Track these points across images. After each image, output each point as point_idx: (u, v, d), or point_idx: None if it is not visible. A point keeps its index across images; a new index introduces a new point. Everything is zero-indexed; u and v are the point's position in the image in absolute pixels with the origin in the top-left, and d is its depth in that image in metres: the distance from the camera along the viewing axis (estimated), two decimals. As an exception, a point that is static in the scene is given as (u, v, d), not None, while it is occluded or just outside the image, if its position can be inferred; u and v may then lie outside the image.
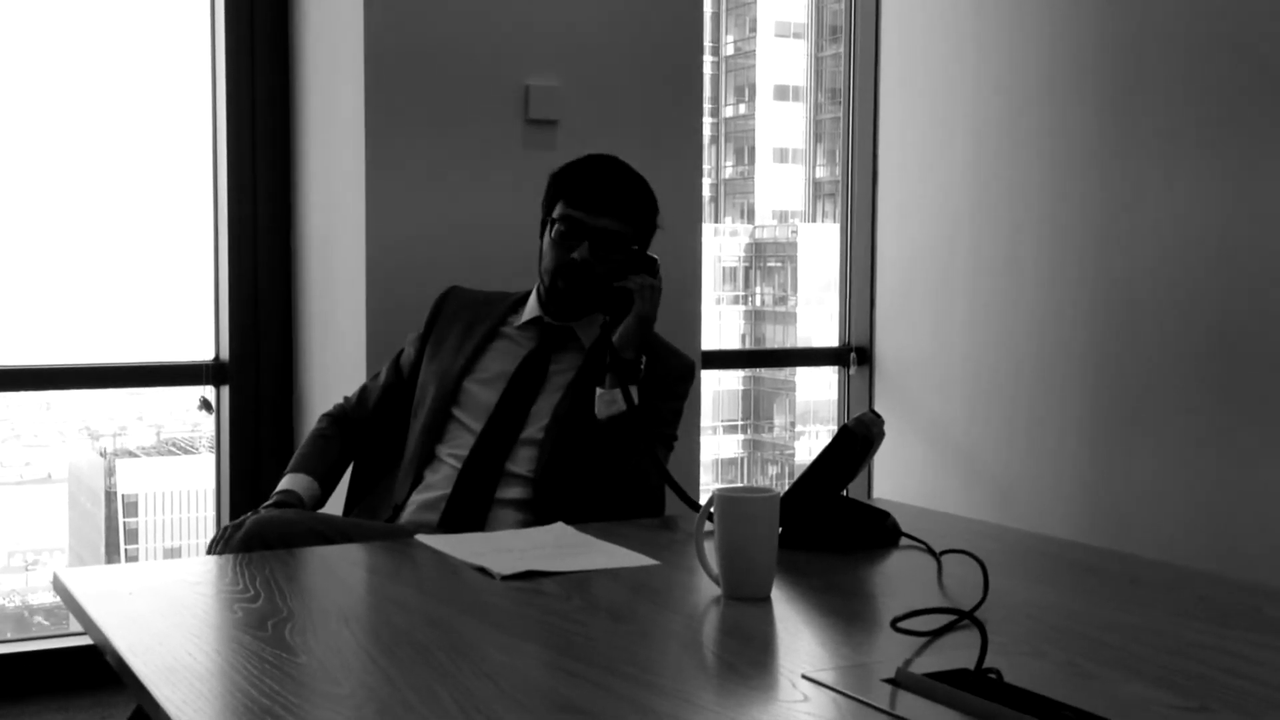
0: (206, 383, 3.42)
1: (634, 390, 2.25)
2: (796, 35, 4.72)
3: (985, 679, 1.32)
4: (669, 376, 2.40)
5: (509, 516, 2.28)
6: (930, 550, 1.95)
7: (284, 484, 2.39)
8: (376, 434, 2.52)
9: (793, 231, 4.75)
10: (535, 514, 2.26)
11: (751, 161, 4.76)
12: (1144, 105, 3.36)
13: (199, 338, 3.47)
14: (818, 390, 4.57)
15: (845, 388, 4.22)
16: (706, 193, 3.90)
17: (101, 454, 3.84)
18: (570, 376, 2.36)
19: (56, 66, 3.46)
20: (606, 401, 2.27)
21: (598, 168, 2.41)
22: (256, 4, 3.37)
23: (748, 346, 4.71)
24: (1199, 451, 3.24)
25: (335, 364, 3.26)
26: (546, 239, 2.39)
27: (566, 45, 3.24)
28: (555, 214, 2.38)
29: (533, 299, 2.45)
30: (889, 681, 1.33)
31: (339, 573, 1.87)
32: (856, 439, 1.97)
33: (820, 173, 4.64)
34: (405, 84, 3.10)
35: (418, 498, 2.34)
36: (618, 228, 2.36)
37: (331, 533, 2.08)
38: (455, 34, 3.14)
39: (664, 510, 2.30)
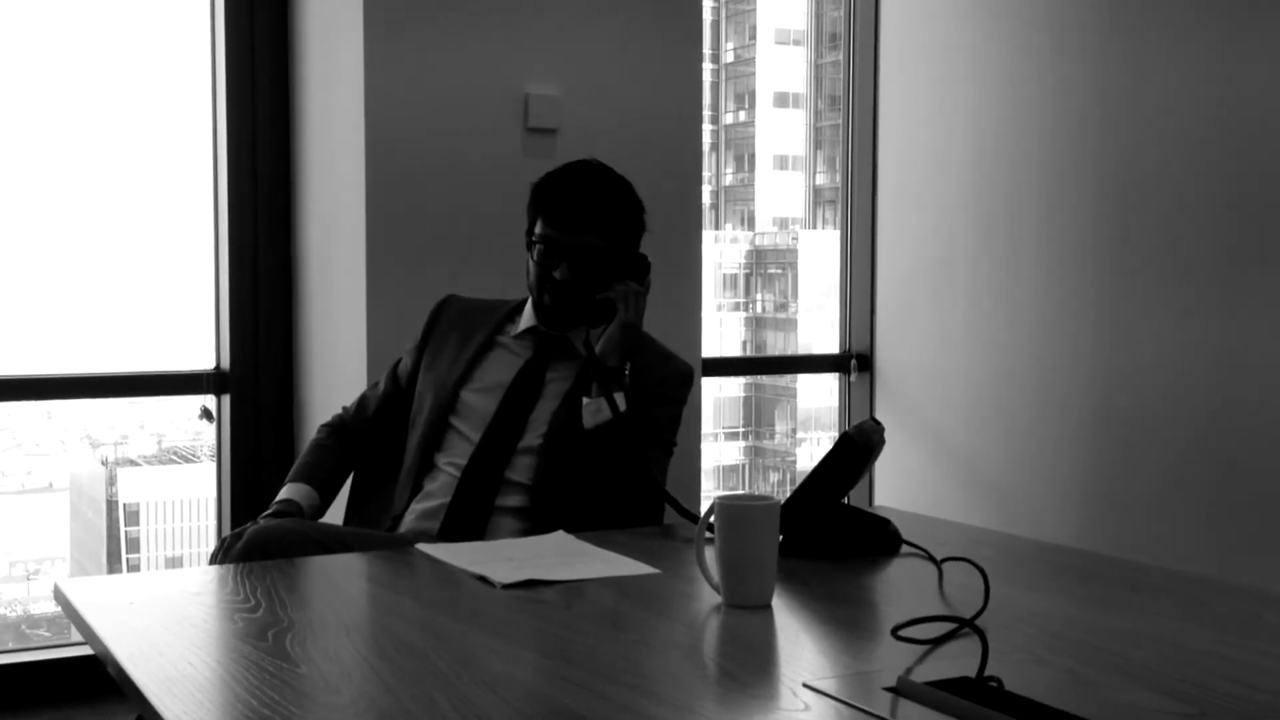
0: (207, 392, 3.43)
1: (620, 397, 2.25)
2: (796, 42, 4.73)
3: (986, 687, 1.32)
4: (667, 382, 2.40)
5: (509, 524, 2.28)
6: (931, 558, 1.95)
7: (284, 493, 2.39)
8: (376, 443, 2.52)
9: (793, 238, 4.75)
10: (534, 522, 2.26)
11: (752, 168, 4.77)
12: (1144, 108, 3.36)
13: (200, 347, 3.47)
14: (818, 397, 4.57)
15: (846, 394, 4.22)
16: (707, 200, 3.90)
17: (103, 463, 3.84)
18: (567, 385, 2.36)
19: (59, 77, 3.47)
20: (592, 411, 2.26)
21: (574, 182, 2.36)
22: (256, 14, 3.38)
23: (748, 353, 4.71)
24: (1198, 459, 3.24)
25: (336, 373, 3.26)
26: (530, 256, 2.39)
27: (566, 54, 3.25)
28: (535, 232, 2.37)
29: (529, 308, 2.44)
30: (890, 690, 1.33)
31: (339, 582, 1.87)
32: (857, 447, 1.97)
33: (820, 179, 4.64)
34: (405, 92, 3.10)
35: (417, 506, 2.34)
36: (596, 243, 2.33)
37: (331, 542, 2.08)
38: (455, 42, 3.14)
39: (663, 518, 2.30)
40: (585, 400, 2.28)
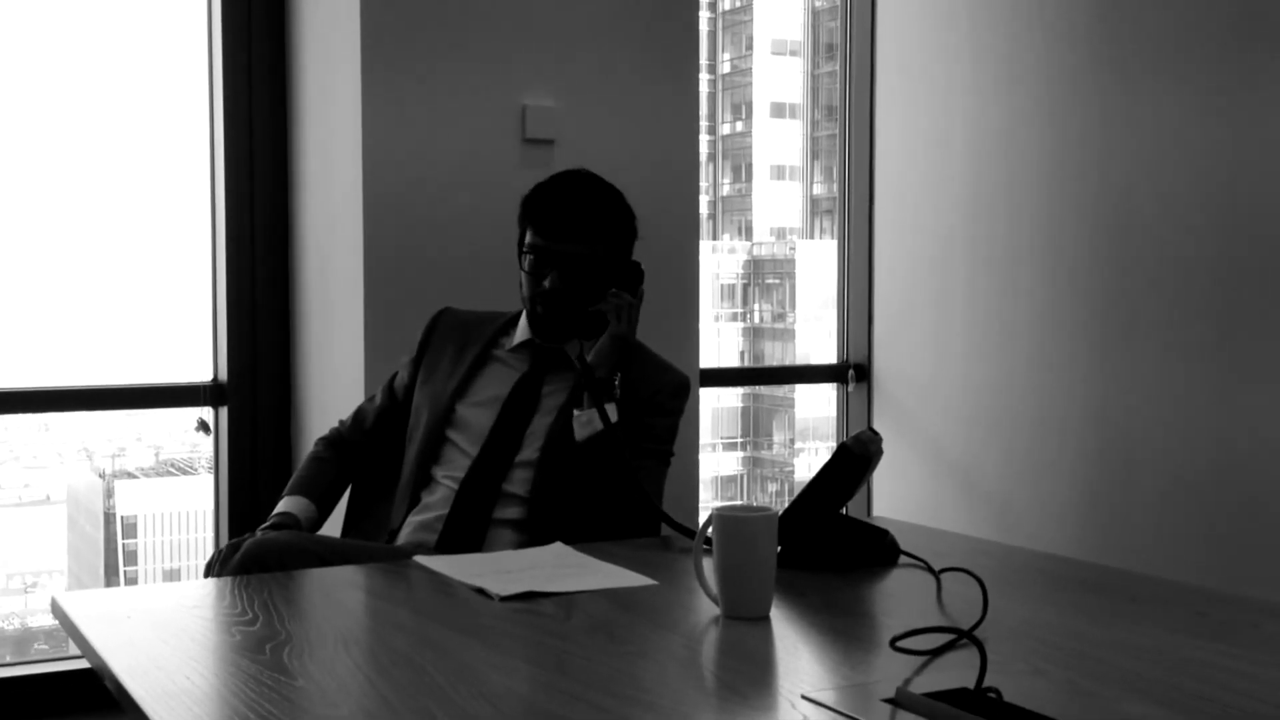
0: (205, 404, 3.42)
1: (611, 408, 2.25)
2: (793, 53, 4.74)
3: (985, 698, 1.32)
4: (661, 392, 2.40)
5: (506, 536, 2.28)
6: (929, 568, 1.95)
7: (281, 506, 2.39)
8: (373, 457, 2.52)
9: (791, 248, 4.75)
10: (532, 534, 2.26)
11: (749, 179, 4.77)
12: (1143, 118, 3.37)
13: (197, 359, 3.47)
14: (816, 407, 4.57)
15: (844, 404, 4.22)
16: (704, 210, 3.90)
17: (100, 475, 3.84)
18: (563, 398, 2.36)
19: (58, 88, 3.47)
20: (583, 423, 2.26)
21: (561, 191, 2.37)
22: (254, 25, 3.38)
23: (746, 364, 4.71)
24: (1196, 469, 3.24)
25: (333, 385, 3.26)
26: (521, 267, 2.39)
27: (563, 65, 3.25)
28: (526, 242, 2.38)
29: (523, 321, 2.44)
30: (889, 701, 1.33)
31: (337, 595, 1.87)
32: (855, 457, 1.97)
33: (818, 189, 4.64)
34: (402, 102, 3.10)
35: (415, 519, 2.34)
36: (584, 251, 2.33)
37: (329, 554, 2.08)
38: (452, 54, 3.15)
39: (660, 529, 2.30)
40: (576, 412, 2.28)
